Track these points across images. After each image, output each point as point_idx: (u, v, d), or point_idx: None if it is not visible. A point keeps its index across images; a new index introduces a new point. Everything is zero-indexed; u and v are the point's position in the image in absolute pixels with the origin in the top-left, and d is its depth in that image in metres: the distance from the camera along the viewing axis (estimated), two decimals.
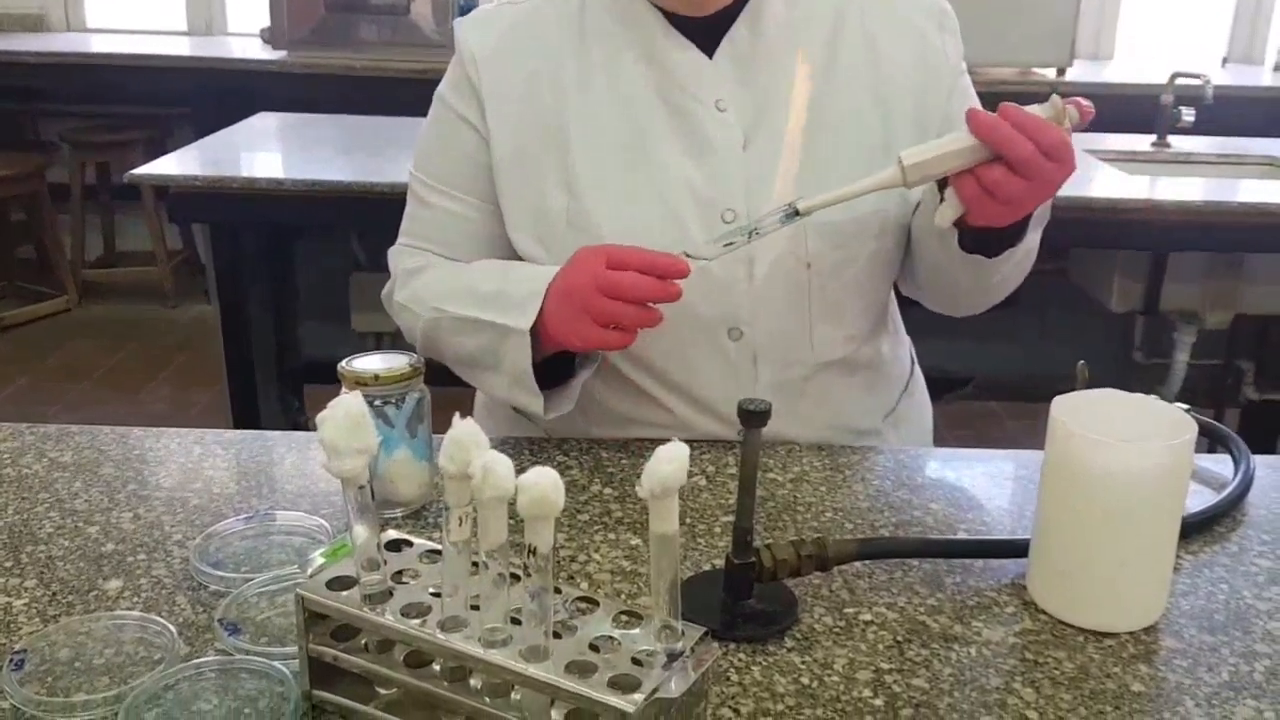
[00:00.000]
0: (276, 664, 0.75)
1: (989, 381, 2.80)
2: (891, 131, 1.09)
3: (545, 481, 0.60)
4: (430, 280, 1.14)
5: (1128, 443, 0.81)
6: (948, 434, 3.02)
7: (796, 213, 0.94)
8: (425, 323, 1.12)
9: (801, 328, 1.11)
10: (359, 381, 0.92)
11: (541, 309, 1.01)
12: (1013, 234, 1.00)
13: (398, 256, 1.19)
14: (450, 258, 1.16)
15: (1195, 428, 0.83)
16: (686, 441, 0.64)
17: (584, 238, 1.06)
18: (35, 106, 4.43)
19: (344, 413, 0.65)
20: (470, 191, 1.15)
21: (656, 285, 0.96)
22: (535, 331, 1.01)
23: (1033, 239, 1.06)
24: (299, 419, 2.83)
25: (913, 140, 1.08)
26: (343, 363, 0.95)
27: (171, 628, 0.80)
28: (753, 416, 0.78)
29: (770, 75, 1.08)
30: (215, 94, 3.83)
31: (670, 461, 0.62)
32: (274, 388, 2.77)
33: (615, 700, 0.61)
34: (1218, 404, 2.90)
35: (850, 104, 1.09)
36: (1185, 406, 0.93)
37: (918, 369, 1.32)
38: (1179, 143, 2.95)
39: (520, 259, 1.13)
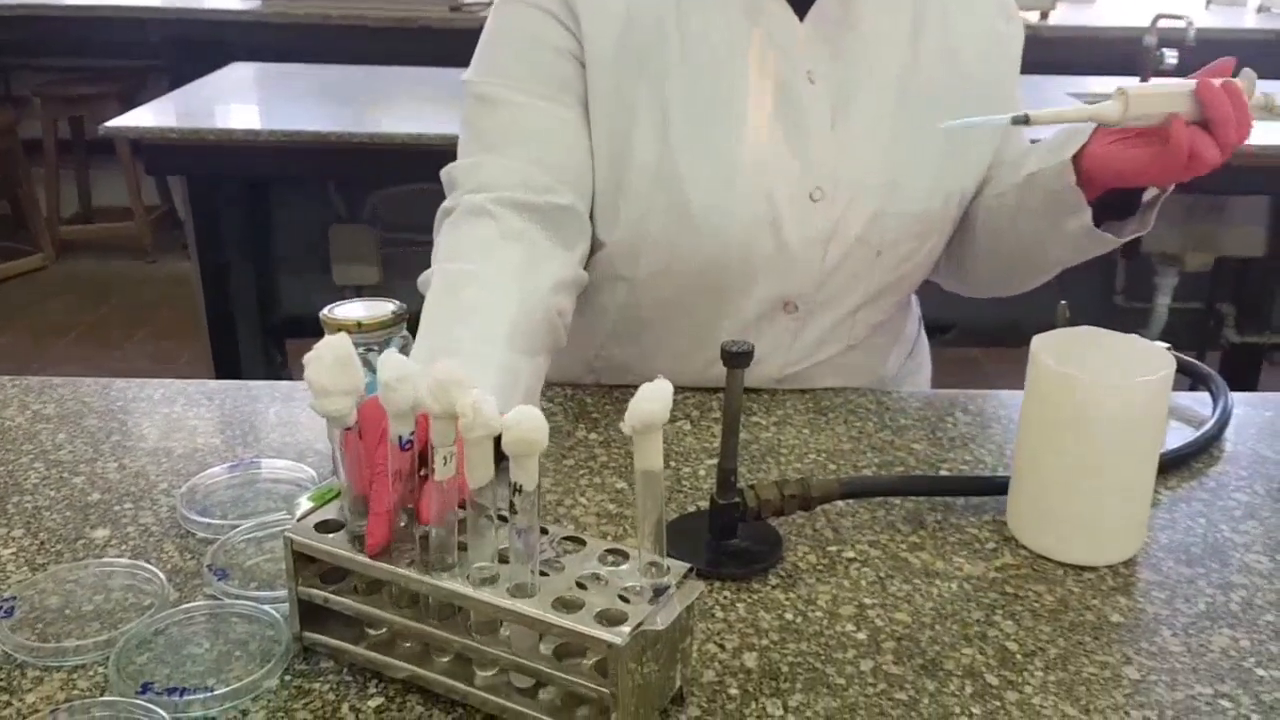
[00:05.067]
0: (266, 608, 0.76)
1: (970, 327, 2.80)
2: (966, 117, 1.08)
3: (530, 419, 0.61)
4: (449, 241, 0.99)
5: (1107, 379, 0.81)
6: (932, 381, 3.03)
7: (1027, 120, 0.87)
8: (423, 279, 0.98)
9: (853, 307, 1.11)
10: (341, 329, 0.92)
11: None
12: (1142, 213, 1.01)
13: (463, 174, 1.02)
14: (521, 158, 1.00)
15: (1173, 364, 0.84)
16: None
17: (672, 202, 1.01)
18: (5, 61, 4.35)
19: (331, 353, 0.65)
20: (548, 83, 1.01)
21: None
22: None
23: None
24: (281, 373, 2.82)
25: (984, 136, 1.09)
26: (325, 310, 0.94)
27: (160, 574, 0.80)
28: (735, 357, 0.78)
29: (857, 49, 1.04)
30: (189, 45, 3.77)
31: (653, 399, 0.62)
32: (256, 341, 2.76)
33: (603, 633, 0.62)
34: (1199, 347, 2.93)
35: (931, 87, 1.06)
36: (1165, 345, 0.94)
37: (922, 332, 1.32)
38: None
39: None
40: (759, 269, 1.05)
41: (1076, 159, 0.97)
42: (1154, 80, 0.91)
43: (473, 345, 0.89)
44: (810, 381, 1.15)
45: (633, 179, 1.02)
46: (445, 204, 1.02)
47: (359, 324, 0.92)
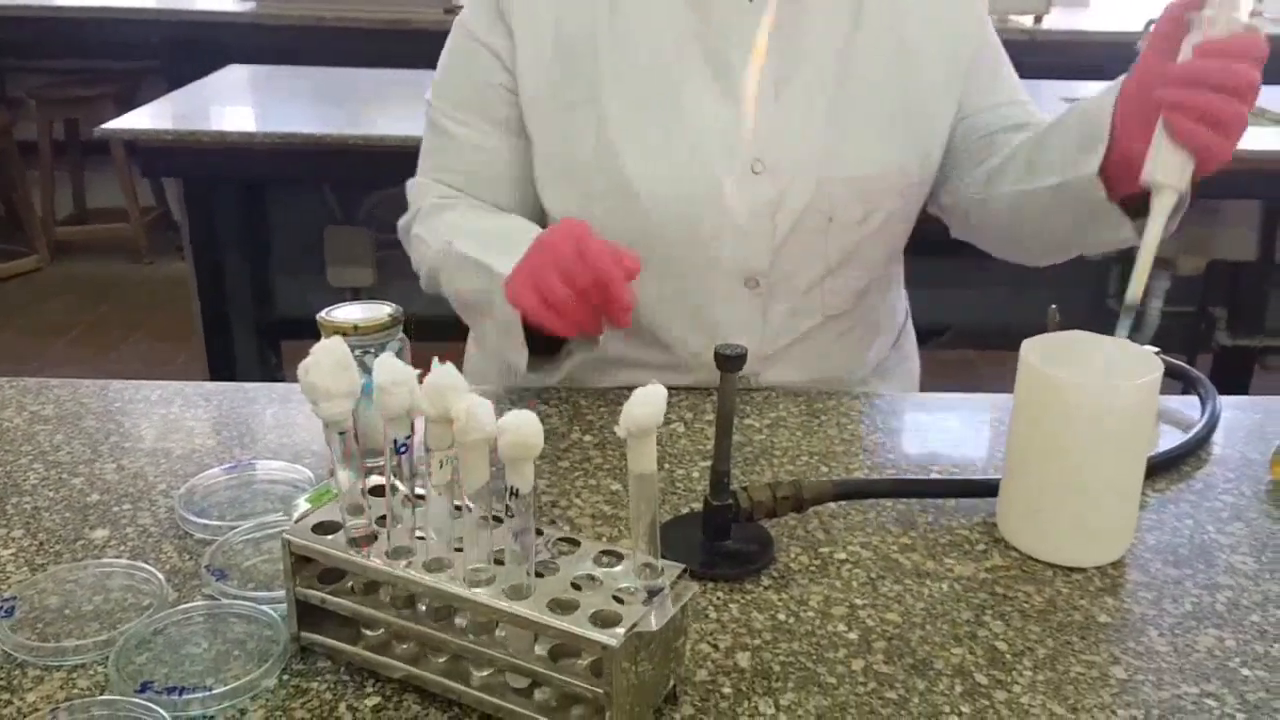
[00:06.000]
0: (264, 608, 0.76)
1: (965, 330, 2.82)
2: (915, 92, 1.10)
3: (526, 423, 0.62)
4: (451, 216, 1.12)
5: (1095, 382, 0.82)
6: (924, 383, 3.04)
7: (1133, 310, 0.85)
8: (434, 254, 1.09)
9: (816, 279, 1.12)
10: (339, 331, 0.93)
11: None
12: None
13: (421, 191, 1.16)
14: (473, 191, 1.13)
15: (1161, 368, 0.85)
16: (666, 387, 0.65)
17: (613, 185, 1.06)
18: (1, 62, 4.35)
19: (329, 357, 0.66)
20: (495, 123, 1.12)
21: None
22: None
23: None
24: (277, 374, 2.82)
25: (939, 104, 1.10)
26: (322, 312, 0.95)
27: (159, 574, 0.81)
28: (729, 361, 0.79)
29: (800, 23, 1.07)
30: (185, 47, 3.78)
31: (646, 404, 0.63)
32: (251, 343, 2.76)
33: (597, 634, 0.63)
34: (1191, 350, 2.94)
35: (876, 60, 1.09)
36: (1155, 349, 0.95)
37: (909, 324, 1.33)
38: None
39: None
40: (708, 243, 1.08)
41: (1102, 169, 0.94)
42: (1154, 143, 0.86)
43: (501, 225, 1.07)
44: (790, 364, 1.16)
45: (576, 168, 1.08)
46: (406, 216, 1.17)
47: (356, 327, 0.93)
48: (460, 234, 1.07)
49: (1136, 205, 0.95)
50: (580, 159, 1.07)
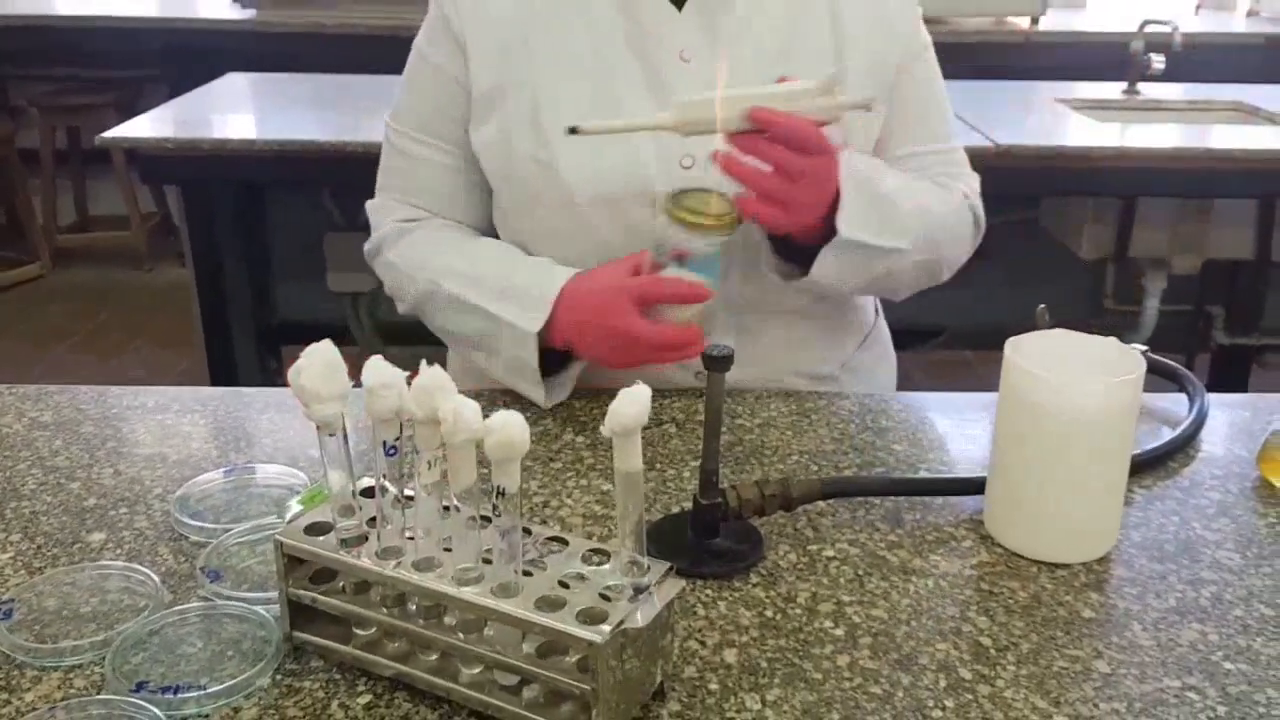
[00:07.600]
0: (257, 609, 0.78)
1: (961, 331, 2.83)
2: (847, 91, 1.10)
3: (512, 424, 0.63)
4: (424, 242, 1.16)
5: (1077, 379, 0.83)
6: (920, 383, 3.05)
7: (574, 130, 0.97)
8: (419, 291, 1.14)
9: (757, 277, 1.13)
10: (695, 227, 0.98)
11: (554, 315, 1.04)
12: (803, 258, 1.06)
13: (383, 212, 1.20)
14: (434, 210, 1.18)
15: (1144, 365, 0.86)
16: (656, 390, 0.66)
17: (548, 180, 1.10)
18: (3, 71, 4.38)
19: (321, 360, 0.67)
20: (453, 141, 1.16)
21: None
22: (540, 332, 1.05)
23: (895, 260, 1.09)
24: (277, 379, 2.84)
25: (864, 118, 1.12)
26: (668, 201, 1.00)
27: (155, 576, 0.82)
28: (716, 361, 0.80)
29: (735, 29, 1.10)
30: (185, 55, 3.80)
31: (632, 403, 0.64)
32: (251, 349, 2.78)
33: (583, 631, 0.64)
34: (1189, 349, 2.94)
35: (809, 60, 1.10)
36: (1142, 347, 0.96)
37: (881, 322, 1.34)
38: (1149, 90, 2.97)
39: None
40: (639, 237, 1.09)
41: None
42: (724, 93, 0.96)
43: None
44: (742, 363, 1.14)
45: (516, 172, 1.11)
46: (371, 241, 1.20)
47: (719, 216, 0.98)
48: (448, 273, 1.12)
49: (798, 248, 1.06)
50: (519, 154, 1.11)
